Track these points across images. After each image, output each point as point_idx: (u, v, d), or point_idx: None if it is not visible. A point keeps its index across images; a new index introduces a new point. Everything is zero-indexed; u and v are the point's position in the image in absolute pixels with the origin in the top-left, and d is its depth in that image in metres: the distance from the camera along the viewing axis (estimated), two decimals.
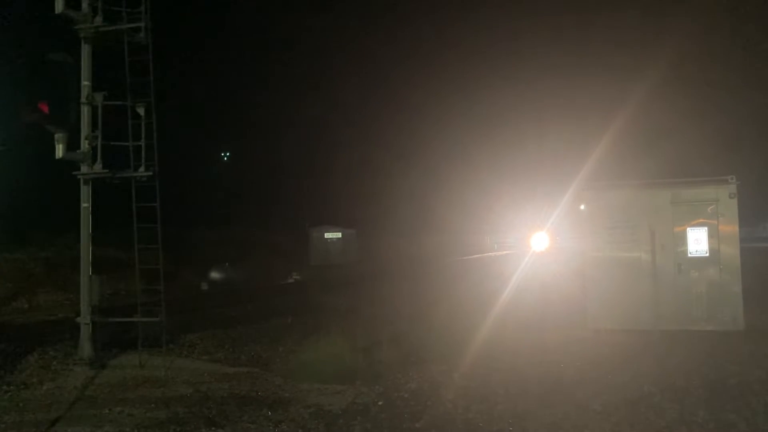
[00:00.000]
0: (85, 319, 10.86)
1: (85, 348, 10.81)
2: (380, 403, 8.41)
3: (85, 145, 10.90)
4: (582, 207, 13.00)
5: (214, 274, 27.51)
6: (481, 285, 19.54)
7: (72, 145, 10.76)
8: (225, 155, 47.04)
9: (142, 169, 10.98)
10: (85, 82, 10.94)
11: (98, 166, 10.92)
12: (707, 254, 12.18)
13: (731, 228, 12.11)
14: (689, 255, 12.27)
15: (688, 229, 12.31)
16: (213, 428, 7.64)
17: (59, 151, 10.60)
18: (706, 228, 12.21)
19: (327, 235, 40.81)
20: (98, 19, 10.86)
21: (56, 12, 10.64)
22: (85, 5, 10.83)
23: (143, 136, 10.98)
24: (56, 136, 10.55)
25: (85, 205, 11.00)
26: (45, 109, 10.42)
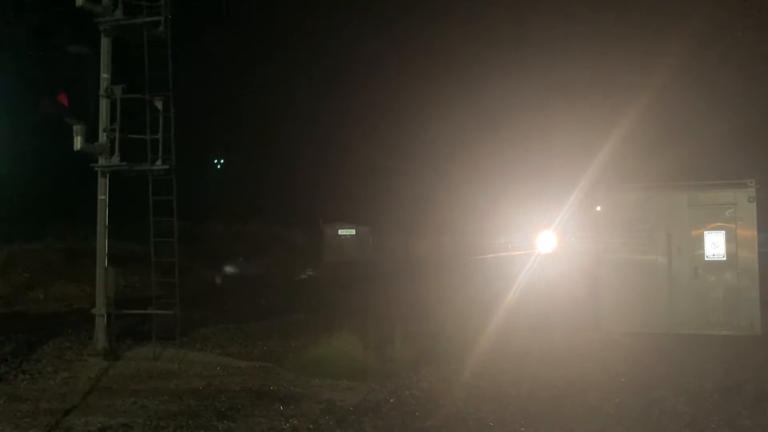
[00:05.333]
0: (100, 310, 10.94)
1: (100, 339, 10.90)
2: (392, 400, 8.41)
3: (103, 137, 10.98)
4: (598, 208, 12.92)
5: (228, 269, 27.62)
6: (492, 284, 19.45)
7: (90, 137, 10.84)
8: (219, 162, 46.67)
9: (159, 162, 11.04)
10: (104, 75, 11.02)
11: (116, 159, 11.00)
12: (725, 258, 12.08)
13: (749, 232, 12.00)
14: (706, 259, 12.17)
15: (705, 232, 12.21)
16: (225, 422, 7.67)
17: (77, 143, 10.67)
18: (723, 232, 12.11)
19: (341, 232, 40.75)
20: (118, 13, 10.93)
21: (77, 5, 10.72)
22: None
23: (161, 129, 11.03)
24: (75, 128, 10.63)
25: (102, 197, 11.07)
26: (64, 101, 10.51)
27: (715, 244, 12.15)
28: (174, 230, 11.00)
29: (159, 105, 11.02)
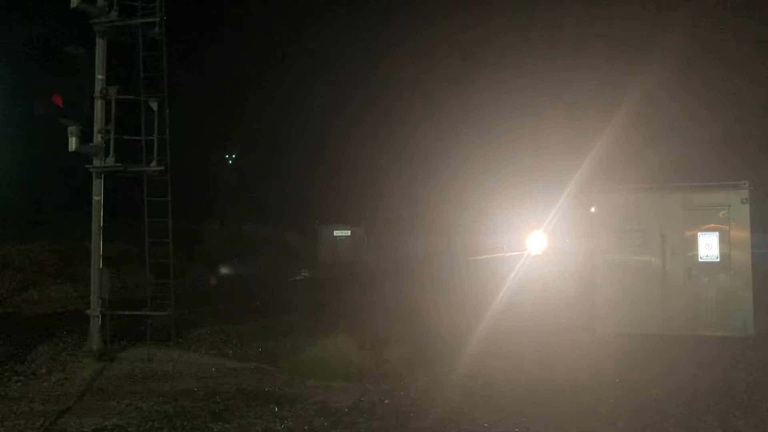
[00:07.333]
0: (94, 311, 10.93)
1: (95, 340, 10.88)
2: (386, 401, 8.42)
3: (97, 138, 10.97)
4: (592, 209, 12.97)
5: (224, 270, 27.54)
6: (486, 285, 19.50)
7: (85, 138, 10.83)
8: (230, 158, 47.22)
9: (153, 163, 11.04)
10: (99, 76, 11.01)
11: (110, 160, 10.99)
12: (718, 259, 12.13)
13: (743, 233, 12.05)
14: (700, 260, 12.22)
15: (698, 233, 12.26)
16: (220, 423, 7.67)
17: (72, 144, 10.66)
18: (717, 233, 12.16)
19: (336, 233, 40.68)
20: (113, 14, 10.94)
21: (72, 6, 10.72)
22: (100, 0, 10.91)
23: (156, 130, 11.03)
24: (69, 129, 10.61)
25: (97, 198, 11.07)
26: (59, 102, 10.49)
27: (708, 245, 12.20)
28: (169, 231, 11.00)
29: (154, 106, 11.03)
